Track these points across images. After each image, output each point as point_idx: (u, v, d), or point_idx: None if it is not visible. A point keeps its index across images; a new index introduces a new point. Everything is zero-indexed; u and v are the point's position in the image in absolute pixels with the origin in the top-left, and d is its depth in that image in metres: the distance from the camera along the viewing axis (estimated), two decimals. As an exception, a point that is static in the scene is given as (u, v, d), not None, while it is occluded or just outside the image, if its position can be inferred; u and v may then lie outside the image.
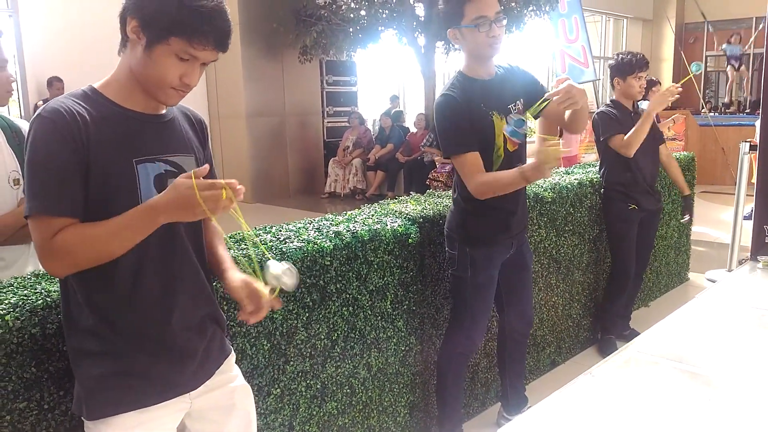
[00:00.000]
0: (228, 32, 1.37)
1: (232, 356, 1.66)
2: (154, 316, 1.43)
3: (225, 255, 1.63)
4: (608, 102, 3.68)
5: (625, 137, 3.42)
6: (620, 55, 3.56)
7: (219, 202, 1.26)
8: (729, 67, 13.86)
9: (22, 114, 7.79)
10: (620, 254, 3.66)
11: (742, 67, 13.81)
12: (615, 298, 3.73)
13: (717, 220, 6.83)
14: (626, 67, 3.49)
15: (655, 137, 3.63)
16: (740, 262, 5.25)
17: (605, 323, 3.77)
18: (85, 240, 1.31)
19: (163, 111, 1.48)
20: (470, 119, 2.27)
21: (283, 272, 1.44)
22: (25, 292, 1.60)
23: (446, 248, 2.55)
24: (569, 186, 3.41)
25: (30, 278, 1.72)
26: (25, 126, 2.09)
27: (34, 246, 1.34)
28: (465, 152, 2.27)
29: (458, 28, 2.26)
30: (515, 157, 2.39)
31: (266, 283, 1.45)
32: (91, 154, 1.33)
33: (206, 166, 1.33)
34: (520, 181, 2.22)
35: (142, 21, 1.33)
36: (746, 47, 13.65)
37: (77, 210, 1.33)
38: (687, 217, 4.08)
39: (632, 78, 3.48)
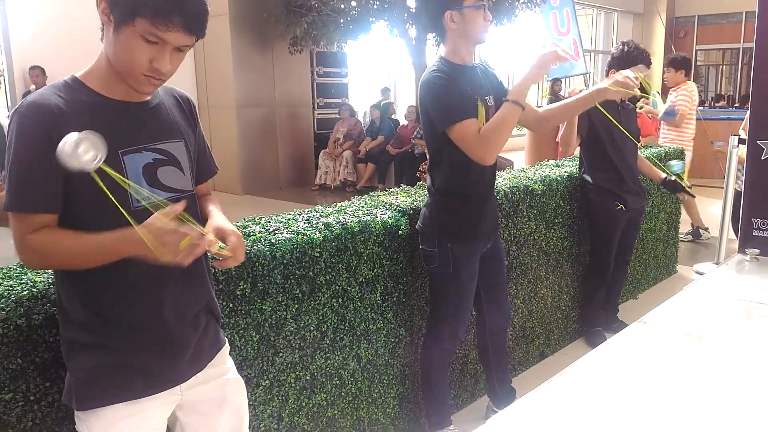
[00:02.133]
0: (199, 14, 1.30)
1: (226, 348, 1.65)
2: (144, 309, 1.42)
3: (212, 208, 1.60)
4: None
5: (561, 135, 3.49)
6: (625, 47, 3.44)
7: (177, 249, 1.23)
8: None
9: (9, 104, 7.71)
10: (601, 252, 3.64)
11: None
12: (593, 292, 3.74)
13: (706, 213, 6.88)
14: (626, 60, 3.33)
15: (635, 134, 3.57)
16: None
17: (588, 316, 3.79)
18: (56, 249, 1.32)
19: (148, 97, 1.44)
20: (460, 96, 2.25)
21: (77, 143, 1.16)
22: (11, 282, 1.59)
23: (421, 246, 2.49)
24: (559, 179, 3.42)
25: (15, 269, 1.70)
26: (5, 123, 2.16)
27: (12, 237, 1.35)
28: (466, 118, 2.21)
29: (459, 9, 2.24)
30: None
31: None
32: None
33: (179, 206, 1.26)
34: (513, 108, 2.15)
35: (110, 1, 1.29)
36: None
37: (54, 205, 1.32)
38: (686, 197, 3.75)
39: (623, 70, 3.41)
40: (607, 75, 3.47)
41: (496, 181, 3.05)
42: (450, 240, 2.42)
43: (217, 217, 1.53)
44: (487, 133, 2.19)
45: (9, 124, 1.33)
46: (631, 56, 3.37)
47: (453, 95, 2.23)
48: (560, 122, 3.09)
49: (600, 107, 3.14)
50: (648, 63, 3.41)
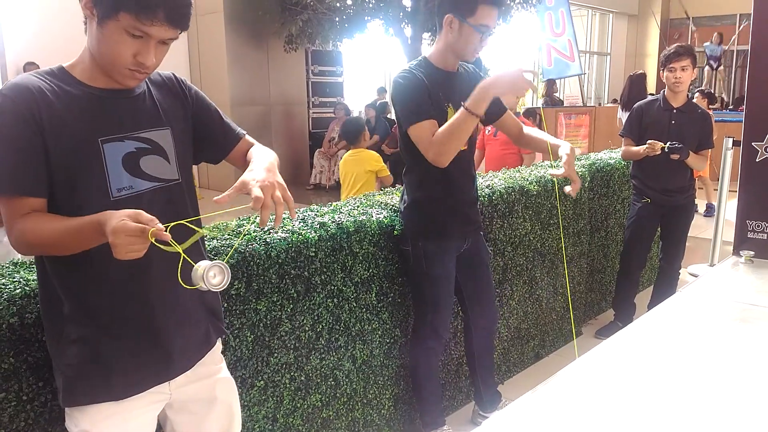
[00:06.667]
0: (181, 7, 1.29)
1: (218, 347, 1.64)
2: (128, 298, 1.40)
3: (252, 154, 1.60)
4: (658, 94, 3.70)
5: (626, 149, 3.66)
6: (667, 48, 3.59)
7: (127, 250, 1.18)
8: (707, 67, 13.91)
9: (2, 100, 7.65)
10: (626, 246, 3.88)
11: (720, 68, 13.88)
12: (617, 283, 3.96)
13: (700, 215, 6.90)
14: (662, 59, 3.56)
15: (692, 140, 3.58)
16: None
17: (614, 304, 3.99)
18: (40, 236, 1.30)
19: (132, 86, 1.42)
20: (428, 97, 2.23)
21: (208, 270, 1.25)
22: (3, 281, 1.57)
23: (400, 246, 2.50)
24: (554, 179, 3.42)
25: (8, 267, 1.68)
26: None
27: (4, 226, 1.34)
28: (425, 119, 2.19)
29: (463, 21, 2.21)
30: (465, 156, 2.38)
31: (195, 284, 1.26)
32: (53, 131, 1.30)
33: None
34: (468, 117, 2.08)
35: None
36: (727, 46, 13.74)
37: (40, 189, 1.31)
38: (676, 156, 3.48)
39: (665, 70, 3.51)
40: (660, 74, 3.68)
41: (492, 182, 3.06)
42: (421, 238, 2.41)
43: (247, 173, 1.47)
44: (440, 137, 2.16)
45: None
46: (663, 55, 3.57)
47: (418, 95, 2.22)
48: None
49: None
50: (672, 57, 3.48)
